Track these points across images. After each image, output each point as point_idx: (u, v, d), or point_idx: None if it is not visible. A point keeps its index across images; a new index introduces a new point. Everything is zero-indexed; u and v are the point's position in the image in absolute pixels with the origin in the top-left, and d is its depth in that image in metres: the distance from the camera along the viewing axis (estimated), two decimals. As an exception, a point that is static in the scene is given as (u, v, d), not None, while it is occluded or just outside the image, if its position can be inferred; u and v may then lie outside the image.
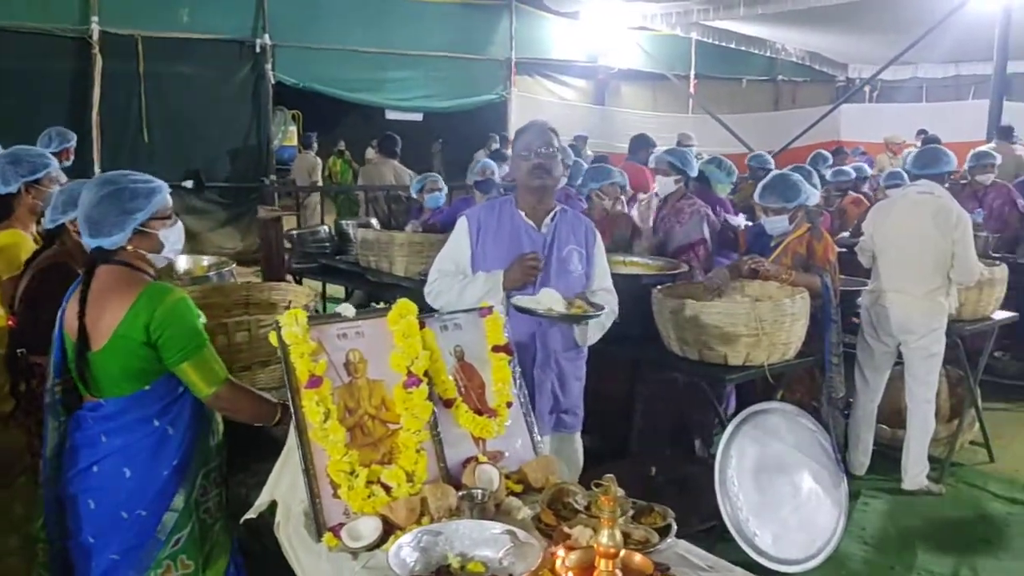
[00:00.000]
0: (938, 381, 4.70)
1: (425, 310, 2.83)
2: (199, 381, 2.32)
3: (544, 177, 2.91)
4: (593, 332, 3.02)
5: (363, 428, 2.17)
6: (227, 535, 2.53)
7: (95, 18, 9.98)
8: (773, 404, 3.83)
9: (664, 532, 2.06)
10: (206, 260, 4.23)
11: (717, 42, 14.16)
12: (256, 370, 2.74)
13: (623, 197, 6.52)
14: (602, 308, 2.85)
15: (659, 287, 3.97)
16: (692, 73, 15.06)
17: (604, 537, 1.74)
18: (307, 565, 2.02)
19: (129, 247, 2.38)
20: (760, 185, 4.39)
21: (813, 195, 4.29)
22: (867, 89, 16.12)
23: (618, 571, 1.73)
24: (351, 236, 5.93)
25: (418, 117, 13.75)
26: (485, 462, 2.26)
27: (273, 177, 11.59)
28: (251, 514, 2.22)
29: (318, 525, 2.02)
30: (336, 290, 7.36)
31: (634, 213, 6.07)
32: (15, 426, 2.92)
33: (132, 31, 10.28)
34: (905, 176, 5.87)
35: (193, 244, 10.90)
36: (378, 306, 2.33)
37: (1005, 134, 9.09)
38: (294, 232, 6.29)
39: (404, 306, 2.28)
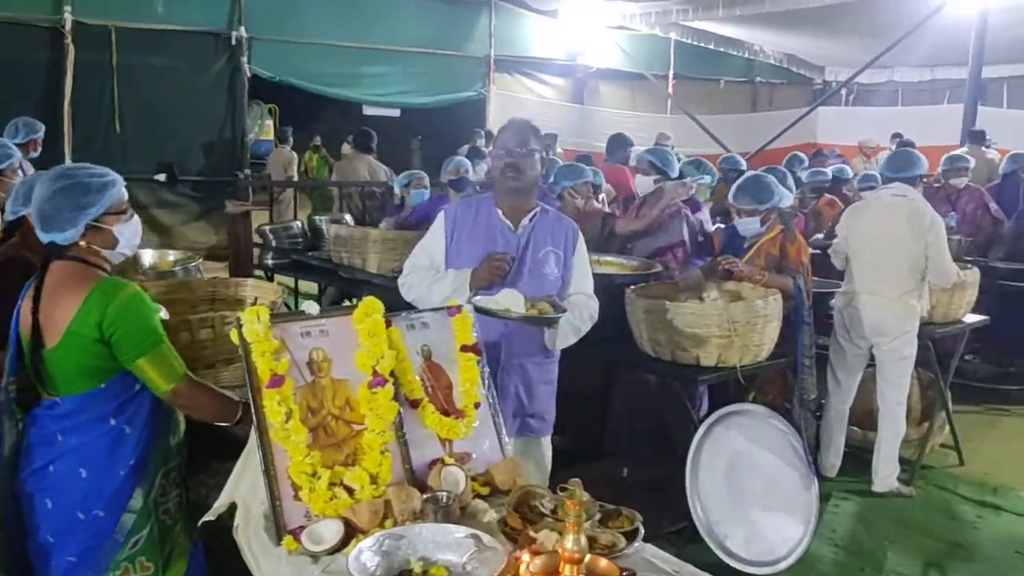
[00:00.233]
0: (910, 384, 4.73)
1: (399, 306, 2.81)
2: (157, 378, 2.26)
3: (515, 178, 2.86)
4: (565, 336, 2.92)
5: (326, 429, 2.12)
6: (187, 537, 2.47)
7: (68, 8, 9.81)
8: (745, 406, 3.82)
9: (631, 536, 2.04)
10: (172, 255, 4.14)
11: (696, 43, 14.17)
12: (220, 368, 2.69)
13: (605, 198, 6.51)
14: (563, 311, 2.76)
15: (632, 287, 3.95)
16: (671, 73, 15.05)
17: (569, 542, 1.71)
18: (266, 569, 1.98)
19: (83, 243, 2.31)
20: (734, 186, 4.38)
21: (786, 197, 4.29)
22: (844, 92, 16.22)
23: (583, 576, 1.70)
24: (324, 232, 5.88)
25: (395, 113, 13.64)
26: (451, 464, 2.22)
27: (248, 171, 11.42)
28: (210, 516, 2.16)
29: (278, 528, 1.97)
30: (309, 286, 7.30)
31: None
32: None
33: (106, 22, 10.12)
34: (879, 179, 5.89)
35: (165, 238, 10.77)
36: (345, 304, 2.28)
37: (977, 138, 9.17)
38: (267, 227, 6.21)
39: (370, 304, 2.23)
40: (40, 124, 5.82)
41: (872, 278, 4.51)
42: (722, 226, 5.13)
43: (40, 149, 5.79)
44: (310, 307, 2.20)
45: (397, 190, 6.29)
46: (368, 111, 13.12)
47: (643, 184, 4.78)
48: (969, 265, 4.92)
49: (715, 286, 4.10)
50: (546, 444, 3.09)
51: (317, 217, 6.24)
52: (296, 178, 11.97)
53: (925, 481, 4.80)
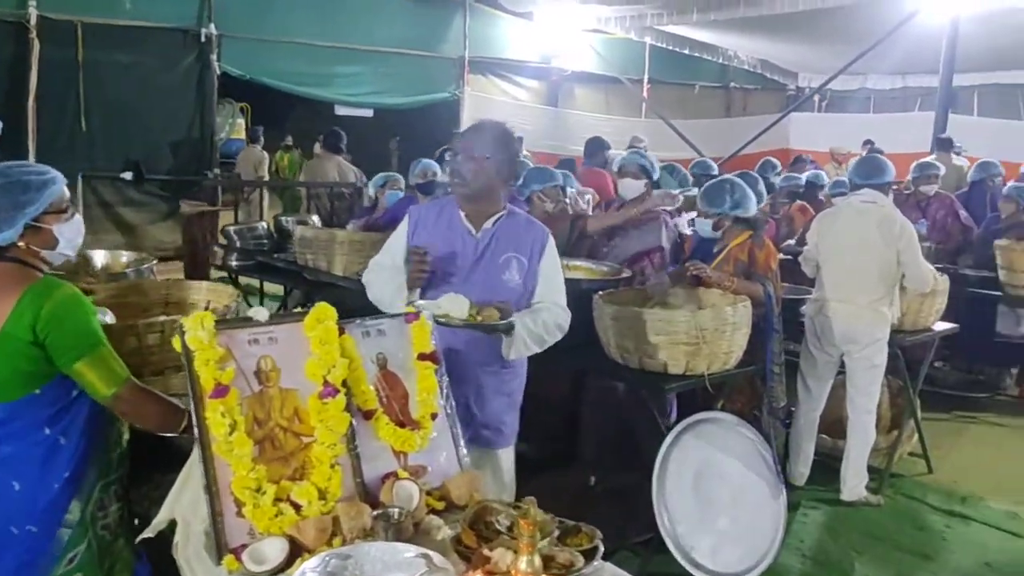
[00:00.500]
0: (879, 392, 4.70)
1: (366, 309, 2.71)
2: (97, 381, 2.16)
3: (460, 184, 2.79)
4: (523, 345, 2.77)
5: (273, 441, 2.02)
6: (131, 552, 2.37)
7: (33, 2, 9.59)
8: (714, 414, 3.74)
9: (591, 555, 1.96)
10: (125, 256, 4.02)
11: (671, 47, 14.15)
12: (169, 375, 2.59)
13: (591, 199, 6.43)
14: (508, 320, 2.65)
15: (601, 293, 3.88)
16: (645, 77, 15.04)
17: (523, 563, 1.63)
18: (207, 589, 1.88)
19: (21, 243, 2.20)
20: (700, 189, 4.36)
21: (745, 204, 4.20)
22: (817, 98, 16.30)
23: (537, 599, 1.63)
24: (291, 233, 5.76)
25: (368, 113, 13.51)
26: (405, 478, 2.13)
27: (217, 171, 11.28)
28: (148, 532, 2.06)
29: (219, 546, 1.87)
30: (277, 289, 7.18)
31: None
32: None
33: (72, 17, 9.93)
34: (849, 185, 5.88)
35: (131, 238, 10.58)
36: (296, 310, 2.19)
37: (945, 145, 9.20)
38: (231, 228, 6.08)
39: (322, 310, 2.14)
40: (-4, 120, 5.65)
41: (843, 285, 4.48)
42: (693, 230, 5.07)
43: (-1, 145, 5.63)
44: (259, 313, 2.10)
45: (372, 191, 6.20)
46: (340, 111, 12.96)
47: (632, 188, 4.70)
48: (939, 273, 4.89)
49: (683, 292, 4.05)
50: (504, 457, 2.97)
51: (284, 218, 6.12)
52: (267, 178, 11.82)
53: (894, 490, 4.78)
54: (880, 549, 4.15)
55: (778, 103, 16.78)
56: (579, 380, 4.91)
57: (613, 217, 4.72)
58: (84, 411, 2.25)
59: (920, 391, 5.04)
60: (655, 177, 4.80)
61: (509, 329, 2.70)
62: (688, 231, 5.07)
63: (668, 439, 3.67)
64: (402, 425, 2.22)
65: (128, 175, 10.42)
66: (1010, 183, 7.29)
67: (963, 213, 6.79)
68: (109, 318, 2.66)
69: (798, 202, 7.25)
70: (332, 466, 2.03)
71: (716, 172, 7.06)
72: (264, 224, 6.25)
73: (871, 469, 4.67)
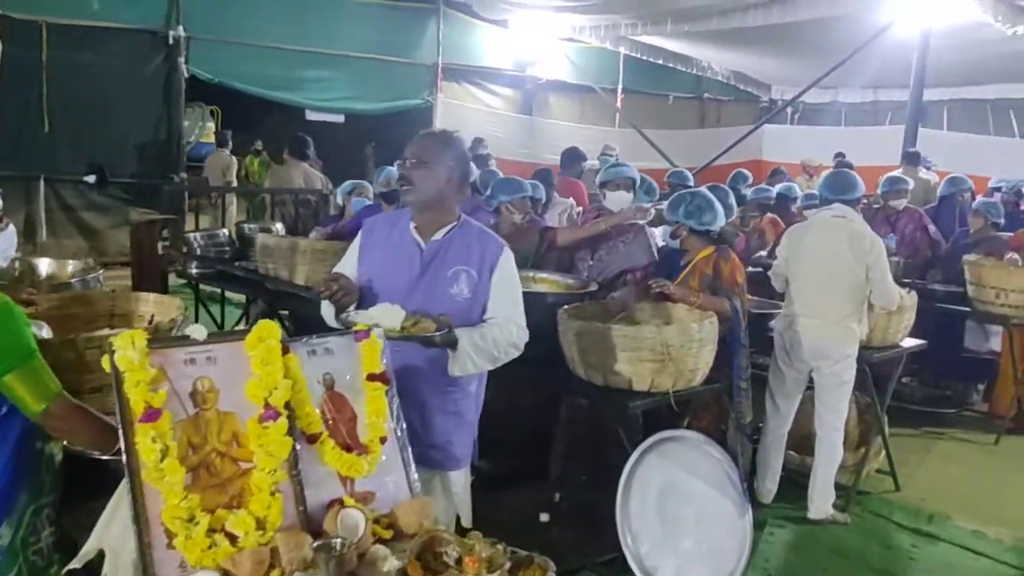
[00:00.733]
0: (848, 408, 4.65)
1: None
2: (27, 396, 2.04)
3: (407, 190, 2.70)
4: (470, 361, 2.63)
5: (209, 467, 1.91)
6: (65, 579, 2.24)
7: (-4, 2, 9.45)
8: (679, 432, 3.68)
9: (543, 588, 1.87)
10: (72, 265, 3.88)
11: (645, 58, 14.15)
12: (108, 392, 2.42)
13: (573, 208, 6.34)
14: (444, 332, 2.51)
15: (566, 307, 3.80)
16: (619, 87, 15.05)
17: (467, 603, 1.54)
18: (134, 625, 1.77)
19: None
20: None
21: (699, 215, 4.13)
22: (789, 111, 16.38)
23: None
24: (253, 240, 5.63)
25: (339, 119, 13.38)
26: (351, 505, 2.03)
27: (184, 175, 11.12)
28: (76, 563, 1.94)
29: (147, 580, 1.76)
30: (241, 297, 7.02)
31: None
32: None
33: (36, 17, 9.77)
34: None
35: (94, 242, 10.40)
36: (237, 328, 2.08)
37: (912, 159, 9.24)
38: (191, 235, 5.94)
39: (265, 329, 2.03)
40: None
41: (812, 301, 4.43)
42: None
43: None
44: (196, 331, 1.99)
45: (339, 199, 6.08)
46: (311, 116, 12.83)
47: (622, 200, 4.63)
48: (907, 289, 4.86)
49: (650, 307, 3.98)
50: (456, 479, 2.83)
51: (246, 225, 5.98)
52: (235, 183, 11.65)
53: (861, 508, 4.73)
54: (847, 568, 4.10)
55: (751, 115, 16.86)
56: (546, 395, 4.84)
57: (583, 230, 4.65)
58: (15, 429, 2.12)
59: (888, 407, 5.01)
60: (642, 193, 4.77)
61: (451, 343, 2.57)
62: (661, 243, 5.02)
63: (632, 458, 3.60)
64: (349, 449, 2.12)
65: (91, 178, 10.22)
66: (979, 198, 7.32)
67: (932, 228, 6.79)
68: (45, 332, 2.54)
69: (769, 215, 7.23)
70: (272, 494, 1.92)
71: (692, 183, 7.01)
72: (226, 231, 6.11)
73: (838, 486, 4.61)
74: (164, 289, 5.96)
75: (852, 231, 4.42)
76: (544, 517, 4.21)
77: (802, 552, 4.23)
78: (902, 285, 4.97)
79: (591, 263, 4.58)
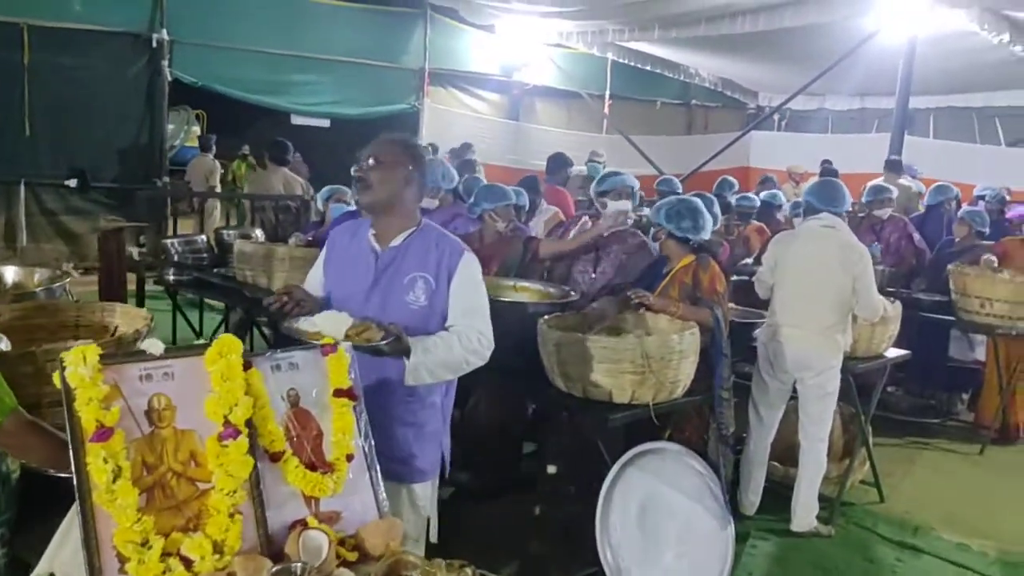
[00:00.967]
0: (832, 419, 4.61)
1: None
2: None
3: (365, 191, 2.62)
4: (423, 372, 2.53)
5: (165, 488, 1.84)
6: (19, 602, 2.16)
7: (-23, 4, 9.36)
8: (660, 444, 3.64)
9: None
10: (39, 273, 3.80)
11: (633, 63, 14.13)
12: (68, 407, 2.38)
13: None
14: (391, 340, 2.41)
15: (546, 317, 3.73)
16: (607, 93, 15.03)
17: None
18: (84, 654, 1.69)
19: None
20: None
21: (678, 221, 4.09)
22: (776, 118, 16.40)
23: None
24: (232, 247, 5.55)
25: (325, 123, 13.28)
26: (315, 527, 1.96)
27: (167, 179, 11.02)
28: (25, 588, 1.87)
29: (97, 607, 1.69)
30: (221, 306, 6.94)
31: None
32: None
33: (17, 19, 9.70)
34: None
35: (75, 247, 10.30)
36: (197, 342, 2.01)
37: (894, 167, 9.22)
38: (168, 241, 5.85)
39: (226, 343, 1.96)
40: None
41: (797, 311, 4.38)
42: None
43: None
44: (153, 346, 1.92)
45: (320, 204, 6.00)
46: (296, 121, 12.73)
47: (623, 209, 4.55)
48: (892, 298, 4.82)
49: (632, 318, 3.92)
50: (421, 492, 2.73)
51: (225, 231, 5.90)
52: (219, 188, 11.54)
53: (845, 519, 4.68)
54: (829, 583, 4.05)
55: (739, 121, 16.87)
56: (527, 407, 4.77)
57: (567, 243, 4.58)
58: None
59: (872, 416, 4.97)
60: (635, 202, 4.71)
61: (401, 352, 2.48)
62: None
63: (613, 471, 3.55)
64: (313, 468, 2.04)
65: (73, 182, 10.14)
66: (964, 207, 7.31)
67: (916, 236, 6.77)
68: (3, 345, 2.46)
69: (755, 223, 7.20)
70: (231, 515, 1.85)
71: (681, 190, 6.96)
72: (204, 237, 6.02)
73: (822, 498, 4.57)
74: (141, 297, 5.88)
75: (841, 241, 4.37)
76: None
77: (785, 565, 4.18)
78: (886, 294, 4.94)
79: (593, 276, 4.48)
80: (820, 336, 4.34)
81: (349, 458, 2.10)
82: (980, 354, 6.42)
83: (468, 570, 1.87)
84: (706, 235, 4.16)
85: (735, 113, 17.40)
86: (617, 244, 4.51)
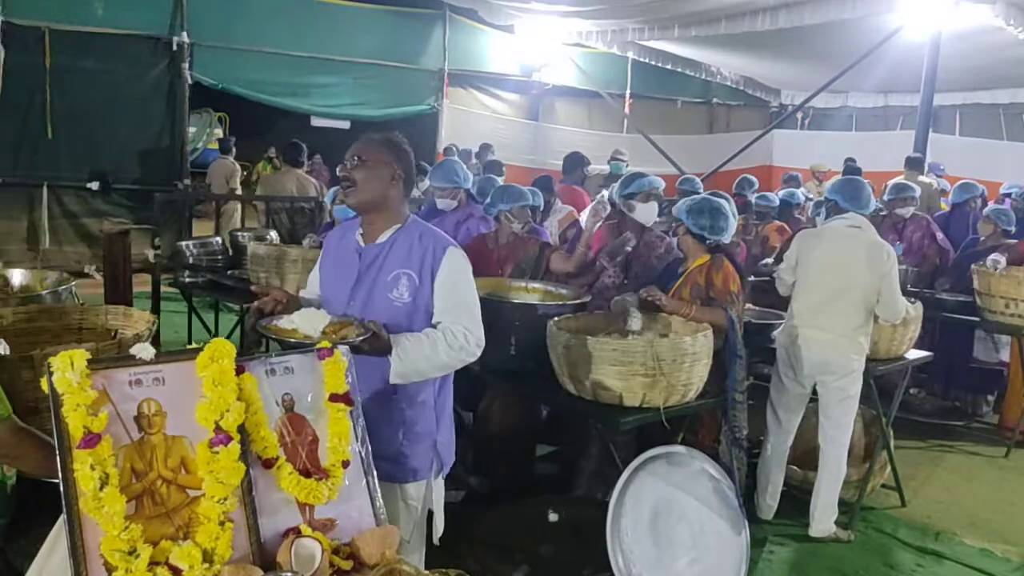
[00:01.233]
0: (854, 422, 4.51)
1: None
2: None
3: (348, 191, 2.60)
4: (410, 370, 2.50)
5: (154, 495, 1.81)
6: (14, 608, 2.15)
7: (-1, 8, 9.45)
8: (672, 448, 3.57)
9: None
10: (50, 277, 3.80)
11: (653, 62, 14.03)
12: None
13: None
14: (367, 336, 2.35)
15: (556, 319, 3.68)
16: (627, 93, 14.94)
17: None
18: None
19: None
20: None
21: (696, 219, 4.03)
22: (799, 116, 16.22)
23: None
24: (247, 249, 5.54)
25: (345, 125, 13.31)
26: (308, 535, 1.92)
27: (188, 181, 11.08)
28: (13, 596, 1.85)
29: (84, 617, 1.66)
30: (236, 308, 6.95)
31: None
32: None
33: (39, 23, 9.79)
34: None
35: (97, 249, 10.32)
36: (189, 347, 1.97)
37: (915, 165, 9.07)
38: (183, 243, 5.86)
39: (218, 347, 1.92)
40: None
41: (821, 311, 4.27)
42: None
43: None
44: (143, 351, 1.89)
45: (329, 205, 6.00)
46: (316, 122, 12.77)
47: (651, 212, 4.52)
48: (913, 299, 4.72)
49: (646, 318, 3.86)
50: (414, 491, 2.68)
51: (240, 233, 5.90)
52: (239, 190, 11.59)
53: (865, 524, 4.59)
54: (847, 589, 3.97)
55: (761, 120, 16.70)
56: (542, 409, 4.73)
57: (570, 263, 4.50)
58: None
59: (894, 419, 4.87)
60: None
61: (380, 350, 2.43)
62: None
63: (624, 475, 3.49)
64: (308, 474, 2.00)
65: (94, 185, 10.23)
66: (990, 204, 7.16)
67: (940, 235, 6.65)
68: (2, 349, 2.44)
69: (775, 222, 7.11)
70: (221, 523, 1.81)
71: (701, 190, 6.88)
72: (219, 239, 6.03)
73: (841, 502, 4.47)
74: (156, 299, 5.89)
75: (870, 242, 4.27)
76: (553, 517, 4.07)
77: (802, 571, 4.09)
78: (908, 294, 4.85)
79: (625, 281, 4.43)
80: (843, 338, 4.24)
81: (345, 464, 2.06)
82: (1005, 355, 6.28)
83: (461, 580, 1.83)
84: (725, 238, 4.08)
85: (758, 111, 17.22)
86: (646, 249, 4.46)
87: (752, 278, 5.66)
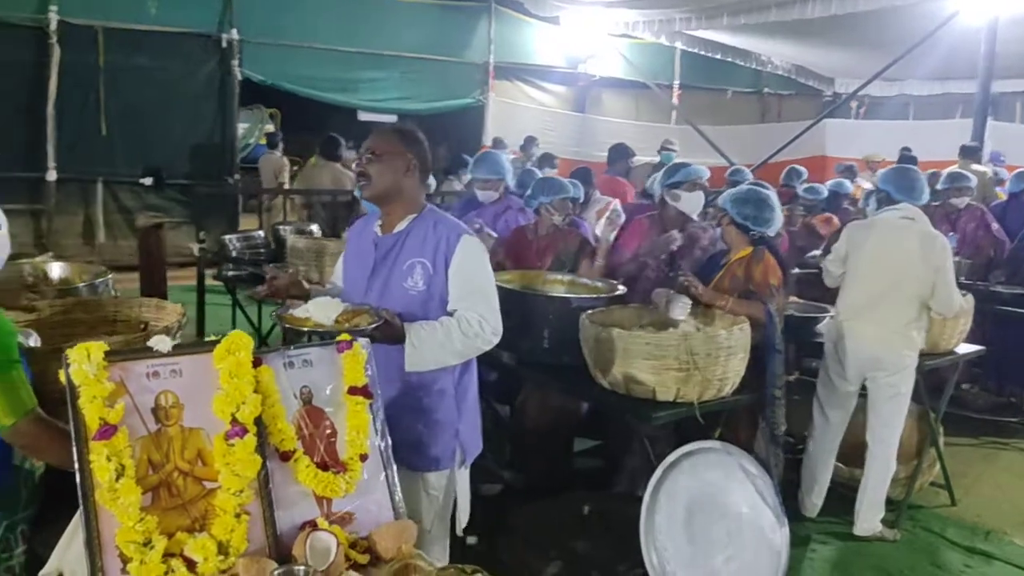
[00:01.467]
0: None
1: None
2: None
3: (363, 185, 2.64)
4: (427, 357, 2.52)
5: (171, 487, 1.82)
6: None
7: (54, 7, 9.71)
8: (707, 443, 3.50)
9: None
10: (90, 270, 3.88)
11: (702, 52, 13.82)
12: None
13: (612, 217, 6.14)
14: (379, 324, 2.38)
15: (589, 312, 3.64)
16: (676, 83, 14.76)
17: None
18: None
19: None
20: None
21: (741, 208, 3.94)
22: (854, 105, 15.84)
23: None
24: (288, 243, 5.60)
25: (392, 119, 13.36)
26: (323, 528, 1.92)
27: (238, 176, 11.26)
28: (34, 585, 1.87)
29: (100, 607, 1.67)
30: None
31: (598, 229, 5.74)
32: None
33: (92, 22, 10.02)
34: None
35: (150, 243, 10.57)
36: (207, 339, 1.98)
37: (969, 153, 8.77)
38: (227, 237, 5.94)
39: (235, 339, 1.93)
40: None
41: (872, 306, 4.15)
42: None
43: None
44: (160, 343, 1.90)
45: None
46: (363, 117, 12.86)
47: (697, 201, 4.43)
48: (964, 292, 4.57)
49: (687, 304, 3.78)
50: (435, 481, 2.69)
51: (282, 227, 5.96)
52: (287, 184, 11.72)
53: (912, 523, 4.46)
54: (891, 590, 3.87)
55: (814, 109, 16.34)
56: (581, 403, 4.69)
57: (594, 270, 4.45)
58: None
59: (946, 415, 4.73)
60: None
61: (393, 337, 2.45)
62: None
63: (658, 472, 3.43)
64: (325, 467, 2.00)
65: (148, 180, 10.42)
66: (1049, 194, 6.92)
67: (995, 226, 6.43)
68: (33, 341, 2.49)
69: (824, 213, 6.95)
70: (237, 515, 1.82)
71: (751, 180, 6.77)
72: (261, 233, 6.10)
73: (888, 500, 4.35)
74: (201, 292, 5.98)
75: (924, 233, 4.14)
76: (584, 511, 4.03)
77: (846, 570, 3.99)
78: (961, 287, 4.69)
79: (670, 275, 4.36)
80: (895, 333, 4.12)
81: (363, 458, 2.05)
82: (1064, 350, 6.05)
83: (479, 576, 1.80)
84: (771, 231, 3.99)
85: (810, 101, 16.85)
86: (690, 241, 4.40)
87: (797, 270, 5.53)
